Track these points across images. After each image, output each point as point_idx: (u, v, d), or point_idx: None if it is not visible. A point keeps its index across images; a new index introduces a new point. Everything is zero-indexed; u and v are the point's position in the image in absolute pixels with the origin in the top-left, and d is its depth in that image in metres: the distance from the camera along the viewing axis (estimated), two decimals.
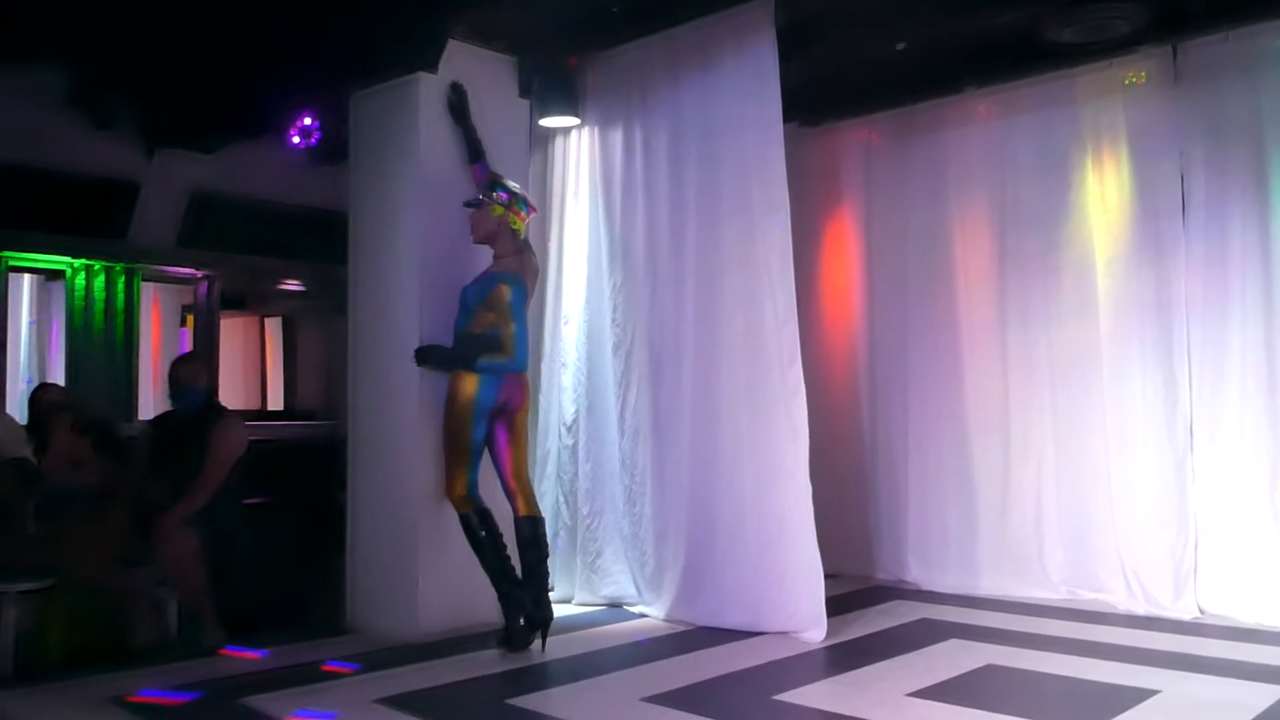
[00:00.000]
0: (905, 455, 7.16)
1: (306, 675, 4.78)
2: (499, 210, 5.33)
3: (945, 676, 4.69)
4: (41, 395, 6.29)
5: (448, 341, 5.34)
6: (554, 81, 6.25)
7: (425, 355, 5.41)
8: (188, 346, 9.09)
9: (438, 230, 5.61)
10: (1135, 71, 6.26)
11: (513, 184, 5.48)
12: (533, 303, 5.78)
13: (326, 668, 4.90)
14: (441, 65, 5.69)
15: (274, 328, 10.29)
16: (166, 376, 6.00)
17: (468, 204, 5.41)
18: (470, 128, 5.73)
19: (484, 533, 5.27)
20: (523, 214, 5.42)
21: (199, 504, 5.43)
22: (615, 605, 6.27)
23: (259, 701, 4.34)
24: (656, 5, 5.72)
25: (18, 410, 7.50)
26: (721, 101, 5.80)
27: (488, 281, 5.26)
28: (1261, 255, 5.89)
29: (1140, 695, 4.35)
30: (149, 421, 6.54)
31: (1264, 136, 5.87)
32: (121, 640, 5.32)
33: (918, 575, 6.99)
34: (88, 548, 5.28)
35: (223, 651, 5.16)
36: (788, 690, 4.50)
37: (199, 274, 8.62)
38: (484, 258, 5.43)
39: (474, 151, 5.71)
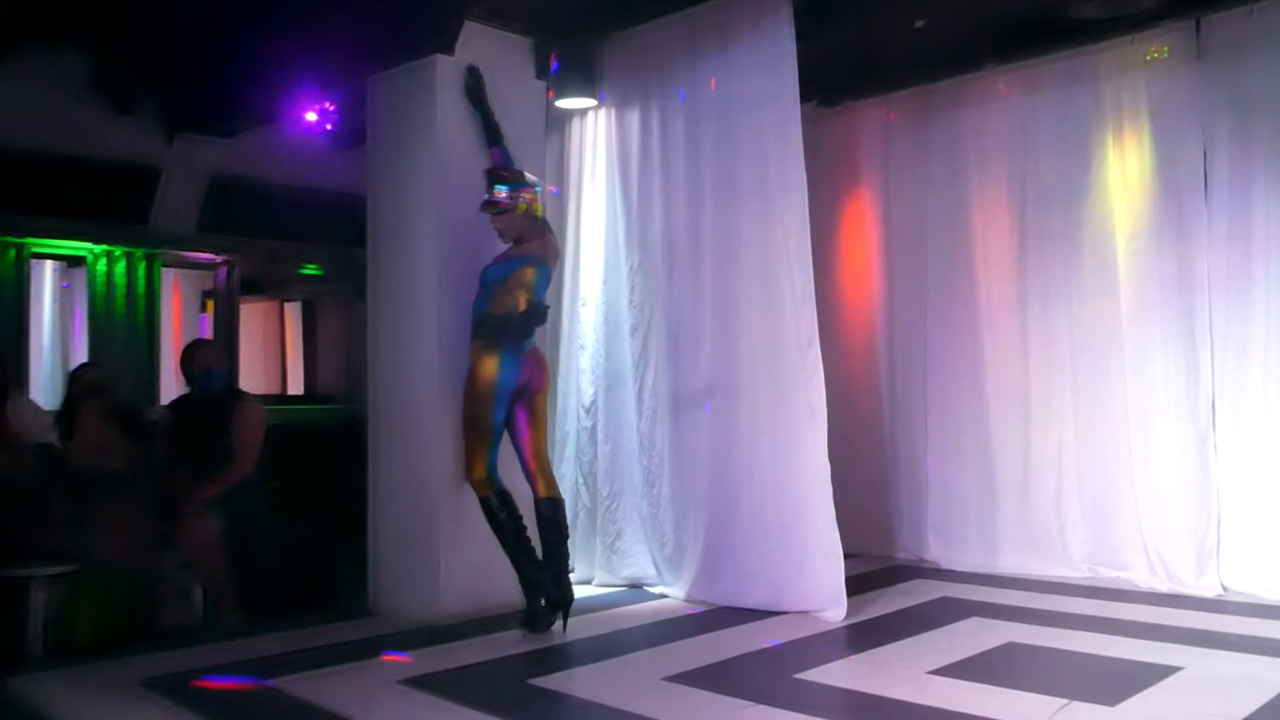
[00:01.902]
0: (925, 434, 7.15)
1: (332, 656, 4.82)
2: (523, 207, 5.31)
3: (966, 654, 4.70)
4: (81, 374, 6.33)
5: (467, 324, 5.35)
6: (571, 63, 6.23)
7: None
8: (208, 331, 9.14)
9: (456, 212, 5.61)
10: (1158, 46, 6.19)
11: (513, 171, 5.42)
12: (551, 285, 5.78)
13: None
14: (458, 47, 5.67)
15: (294, 312, 10.32)
16: (179, 361, 6.04)
17: (489, 209, 5.30)
18: (488, 111, 5.71)
19: (504, 514, 5.28)
20: (537, 196, 5.40)
21: (226, 486, 5.49)
22: (635, 586, 6.30)
23: (285, 684, 4.38)
24: None
25: (42, 393, 7.58)
26: (739, 81, 5.77)
27: (511, 263, 5.25)
28: None
29: (1162, 672, 4.35)
30: (168, 405, 6.59)
31: None
32: (148, 623, 5.37)
33: (938, 554, 6.98)
34: (114, 531, 5.33)
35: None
36: (809, 669, 4.52)
37: (219, 259, 8.65)
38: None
39: (492, 135, 5.69)
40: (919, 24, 6.19)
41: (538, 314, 5.29)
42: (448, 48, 5.65)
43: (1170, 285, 6.17)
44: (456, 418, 5.39)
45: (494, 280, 5.24)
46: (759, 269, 5.73)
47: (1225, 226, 6.03)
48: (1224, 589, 5.92)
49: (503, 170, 5.41)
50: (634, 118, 6.32)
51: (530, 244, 5.31)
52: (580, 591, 5.65)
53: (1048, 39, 6.39)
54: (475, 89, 5.72)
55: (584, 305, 6.55)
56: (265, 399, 7.78)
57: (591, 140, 6.61)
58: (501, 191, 5.28)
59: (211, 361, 5.93)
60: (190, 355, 5.96)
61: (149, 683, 4.40)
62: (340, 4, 5.71)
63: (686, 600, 5.91)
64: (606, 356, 6.44)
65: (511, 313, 5.18)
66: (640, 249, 6.27)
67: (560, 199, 6.63)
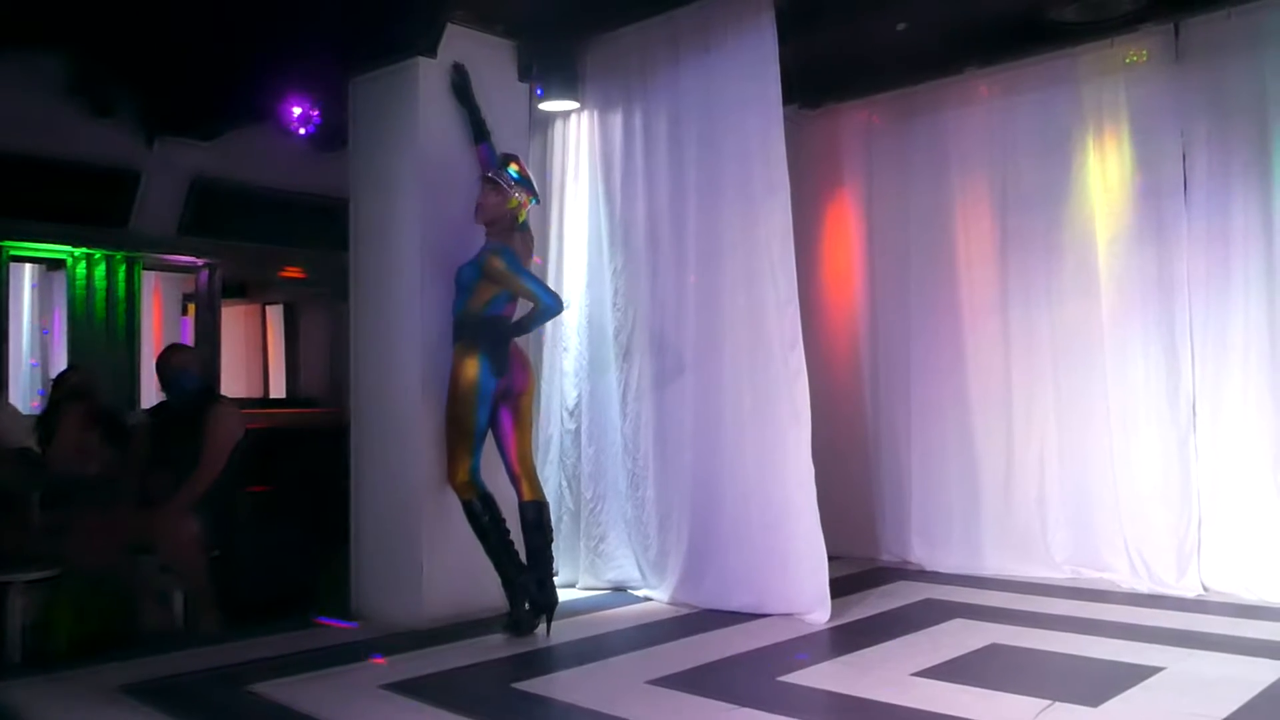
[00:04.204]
0: (908, 436, 7.16)
1: (313, 661, 4.79)
2: (515, 202, 5.30)
3: (950, 656, 4.70)
4: (65, 379, 6.29)
5: (449, 326, 5.34)
6: (553, 65, 6.22)
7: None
8: (189, 335, 9.10)
9: (438, 214, 5.59)
10: (1137, 50, 6.22)
11: (524, 169, 5.43)
12: (546, 283, 5.76)
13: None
14: (440, 49, 5.66)
15: (275, 315, 10.29)
16: (155, 367, 6.02)
17: (488, 179, 5.30)
18: (475, 108, 5.70)
19: (487, 518, 5.26)
20: (529, 203, 5.39)
21: (198, 491, 5.47)
22: (619, 589, 6.28)
23: (266, 688, 4.35)
24: None
25: (20, 398, 7.53)
26: (722, 84, 5.77)
27: (478, 256, 5.23)
28: (1263, 232, 5.88)
29: (1144, 672, 4.36)
30: (147, 411, 6.56)
31: (1266, 113, 5.85)
32: (128, 628, 5.34)
33: (921, 556, 6.99)
34: (93, 536, 5.30)
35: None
36: (793, 671, 4.51)
37: (200, 262, 8.61)
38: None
39: (479, 132, 5.68)
40: (901, 26, 6.20)
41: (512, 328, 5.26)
42: (430, 50, 5.64)
43: (1150, 287, 6.20)
44: (439, 420, 5.37)
45: (468, 279, 5.23)
46: (742, 271, 5.73)
47: (1204, 228, 6.06)
48: (1205, 589, 5.95)
49: (516, 161, 5.40)
50: (616, 120, 6.31)
51: (496, 238, 5.28)
52: (564, 595, 5.63)
53: (1028, 42, 6.41)
54: (462, 86, 5.71)
55: (567, 307, 6.53)
56: (247, 402, 7.76)
57: (574, 143, 6.59)
58: (509, 176, 5.28)
59: (186, 366, 5.89)
60: (165, 360, 5.92)
61: (128, 688, 4.36)
62: (322, 6, 5.69)
63: (670, 603, 5.90)
64: (590, 359, 6.43)
65: (489, 307, 5.16)
66: (623, 251, 6.26)
67: (544, 201, 6.61)
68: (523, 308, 5.32)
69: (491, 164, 5.48)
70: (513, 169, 5.32)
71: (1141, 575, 6.13)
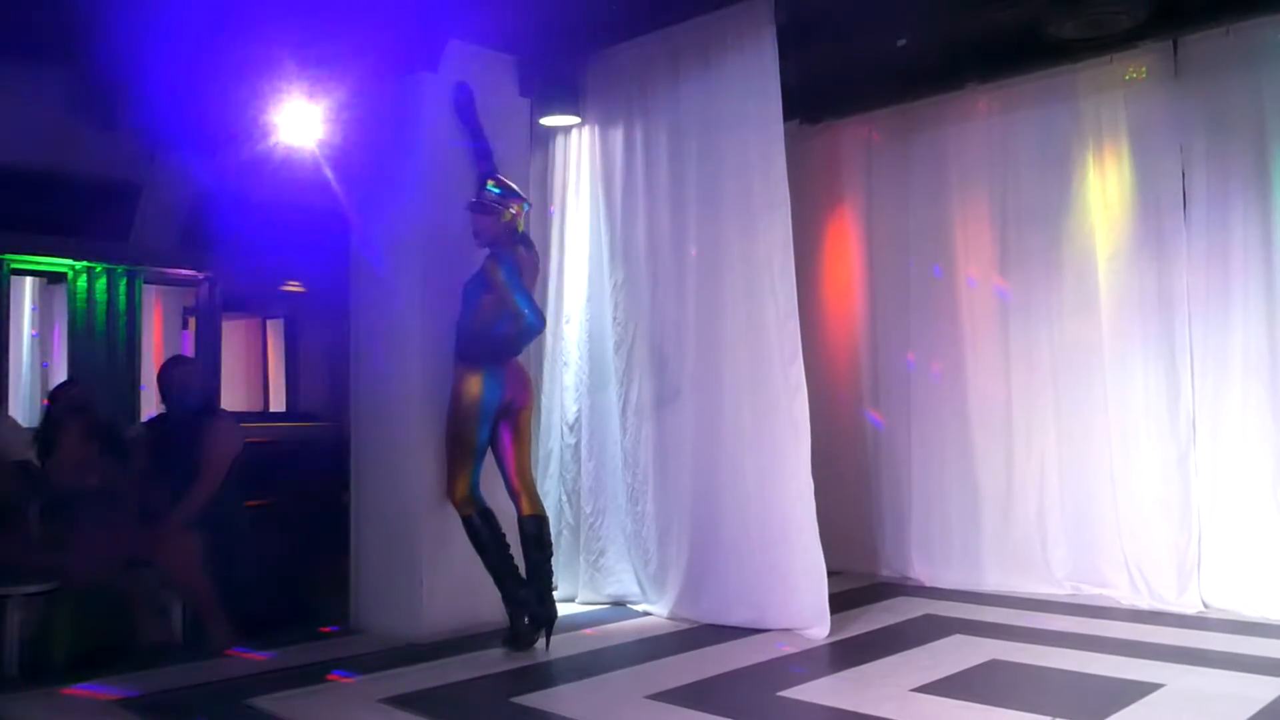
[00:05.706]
0: (908, 451, 7.15)
1: (311, 675, 4.78)
2: (507, 216, 5.31)
3: (949, 672, 4.70)
4: (62, 392, 6.28)
5: (449, 340, 5.34)
6: (554, 80, 6.25)
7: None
8: (190, 348, 9.10)
9: (439, 228, 5.60)
10: (1136, 66, 6.25)
11: (505, 181, 5.45)
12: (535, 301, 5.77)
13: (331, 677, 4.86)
14: (441, 65, 5.69)
15: (275, 329, 10.29)
16: (156, 379, 6.01)
17: (474, 208, 5.33)
18: (478, 130, 5.73)
19: (486, 532, 5.26)
20: (524, 211, 5.41)
21: (198, 505, 5.45)
22: (619, 604, 6.28)
23: (264, 702, 4.34)
24: (656, 3, 5.71)
25: (21, 410, 7.53)
26: (722, 99, 5.79)
27: (482, 269, 5.25)
28: (1263, 249, 5.89)
29: (1144, 689, 4.35)
30: (145, 423, 6.55)
31: (1265, 130, 5.87)
32: (127, 642, 5.32)
33: (921, 571, 6.99)
34: (92, 550, 5.29)
35: (229, 652, 5.16)
36: (792, 687, 4.51)
37: (200, 276, 8.62)
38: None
39: (482, 154, 5.70)
40: (901, 42, 6.23)
41: (525, 331, 5.24)
42: (432, 65, 5.66)
43: (1150, 303, 6.21)
44: (439, 435, 5.37)
45: (472, 292, 5.25)
46: (742, 286, 5.74)
47: (1204, 245, 6.07)
48: (1204, 605, 5.94)
49: (500, 176, 5.43)
50: (617, 135, 6.34)
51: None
52: (564, 609, 5.63)
53: (1027, 58, 6.43)
54: (466, 107, 5.72)
55: (568, 322, 6.55)
56: (247, 416, 7.74)
57: (575, 158, 6.61)
58: (492, 194, 5.30)
59: (187, 379, 5.88)
60: (166, 372, 5.92)
61: (126, 702, 4.36)
62: (325, 21, 5.71)
63: (670, 618, 5.89)
64: (590, 373, 6.44)
65: (495, 324, 5.17)
66: (624, 266, 6.27)
67: (545, 217, 6.64)
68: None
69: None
70: (491, 186, 5.34)
71: (1141, 591, 6.12)
